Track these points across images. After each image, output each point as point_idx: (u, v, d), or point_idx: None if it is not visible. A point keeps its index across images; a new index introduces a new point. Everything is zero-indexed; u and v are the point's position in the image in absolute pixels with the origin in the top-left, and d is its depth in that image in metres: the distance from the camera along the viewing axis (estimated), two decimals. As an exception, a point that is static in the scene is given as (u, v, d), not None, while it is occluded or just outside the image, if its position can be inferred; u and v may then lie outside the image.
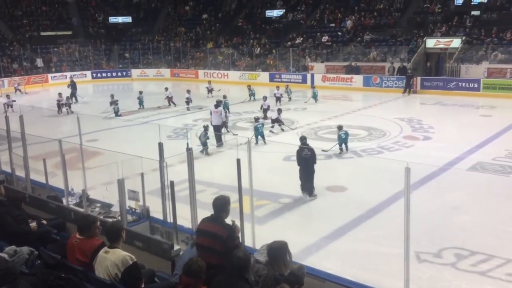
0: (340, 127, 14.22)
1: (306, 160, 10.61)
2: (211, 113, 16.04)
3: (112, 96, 21.88)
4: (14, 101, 21.94)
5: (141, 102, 23.05)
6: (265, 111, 19.21)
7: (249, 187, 6.48)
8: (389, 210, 9.60)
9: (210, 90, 26.03)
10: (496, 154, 13.27)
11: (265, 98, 19.85)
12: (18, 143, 9.48)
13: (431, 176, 11.29)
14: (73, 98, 25.11)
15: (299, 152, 10.68)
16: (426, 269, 7.42)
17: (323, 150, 13.75)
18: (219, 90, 25.88)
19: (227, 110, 18.90)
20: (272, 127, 16.75)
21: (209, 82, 27.59)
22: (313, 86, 26.05)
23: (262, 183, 11.24)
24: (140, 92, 23.51)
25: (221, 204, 5.18)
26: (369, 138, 15.84)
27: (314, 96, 23.68)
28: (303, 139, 11.66)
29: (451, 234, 8.58)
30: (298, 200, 10.49)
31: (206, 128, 14.88)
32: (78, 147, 9.08)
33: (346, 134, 14.02)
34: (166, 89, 23.84)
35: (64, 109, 22.15)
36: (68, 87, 26.08)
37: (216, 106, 15.92)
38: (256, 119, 15.88)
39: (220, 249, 4.94)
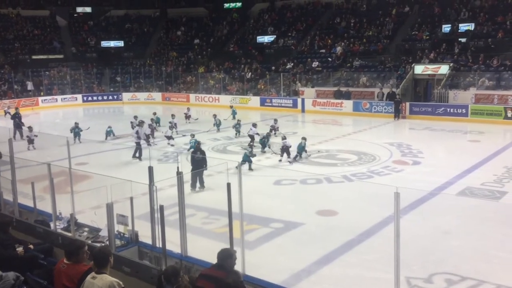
0: (304, 138, 16.71)
1: (198, 161, 12.90)
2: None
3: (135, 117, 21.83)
4: (36, 135, 19.31)
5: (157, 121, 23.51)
6: (251, 137, 18.93)
7: (239, 211, 6.45)
8: (379, 234, 9.58)
9: (187, 117, 26.12)
10: (485, 179, 13.37)
11: (255, 125, 19.49)
12: (7, 166, 9.38)
13: (421, 201, 11.32)
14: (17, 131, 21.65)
15: (193, 155, 12.97)
16: (417, 294, 7.38)
17: (290, 162, 15.98)
18: (196, 119, 26.25)
19: (157, 124, 22.89)
20: (290, 162, 16.09)
21: (188, 108, 27.39)
22: (231, 106, 27.45)
23: (252, 208, 11.27)
24: (135, 117, 22.39)
25: (224, 256, 5.22)
26: (359, 163, 15.91)
27: (233, 114, 25.23)
28: (198, 143, 14.50)
29: (442, 259, 8.56)
30: (289, 224, 10.43)
31: (251, 145, 16.98)
32: (67, 170, 9.00)
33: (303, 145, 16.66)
34: (136, 117, 22.06)
35: None
36: (10, 117, 23.60)
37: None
38: (192, 136, 17.57)
39: None
